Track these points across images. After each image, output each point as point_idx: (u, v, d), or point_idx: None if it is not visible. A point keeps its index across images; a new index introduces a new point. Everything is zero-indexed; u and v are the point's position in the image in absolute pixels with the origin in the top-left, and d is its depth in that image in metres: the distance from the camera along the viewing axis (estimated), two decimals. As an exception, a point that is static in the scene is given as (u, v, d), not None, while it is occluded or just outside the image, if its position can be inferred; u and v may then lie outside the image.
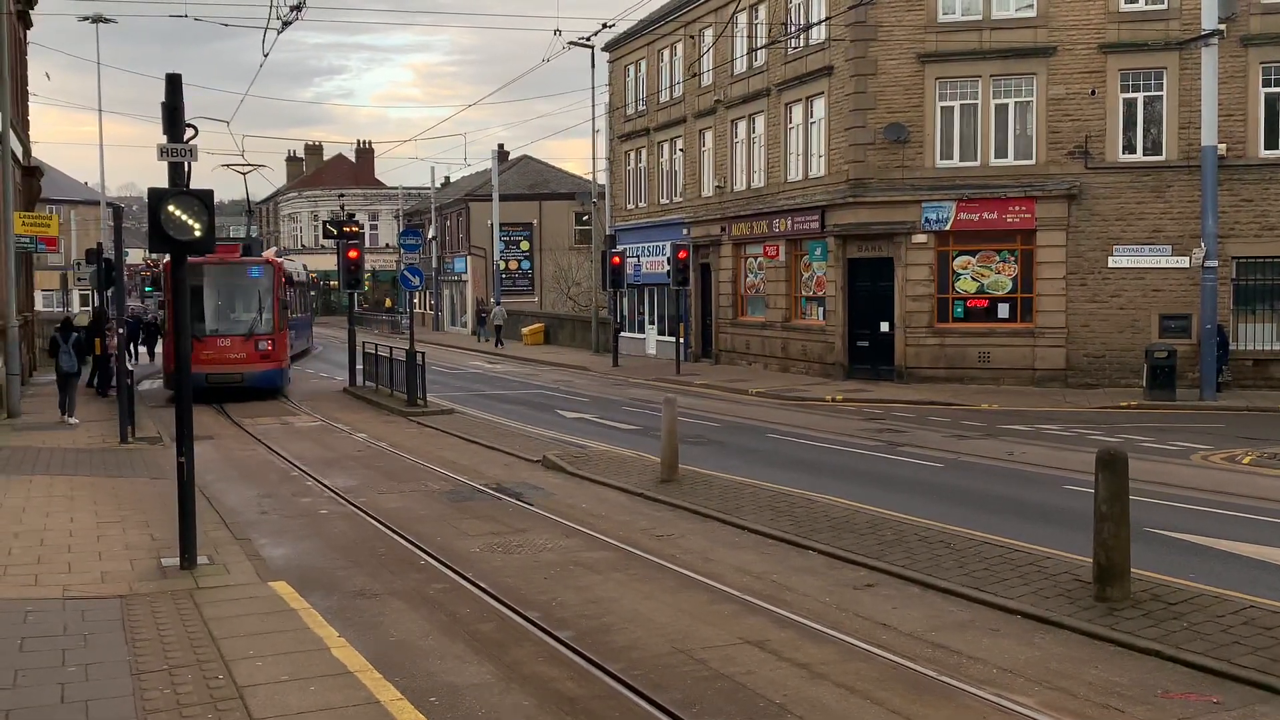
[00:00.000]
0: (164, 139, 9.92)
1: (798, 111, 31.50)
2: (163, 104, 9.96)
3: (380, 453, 18.64)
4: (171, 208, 9.53)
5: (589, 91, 43.51)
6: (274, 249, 34.86)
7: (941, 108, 27.77)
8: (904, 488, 14.54)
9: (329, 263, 64.12)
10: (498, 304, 52.48)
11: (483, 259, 60.88)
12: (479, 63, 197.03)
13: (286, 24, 21.08)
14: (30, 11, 31.26)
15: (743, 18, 33.36)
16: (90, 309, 35.98)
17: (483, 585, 9.85)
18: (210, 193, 9.78)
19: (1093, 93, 26.65)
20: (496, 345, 48.65)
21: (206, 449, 18.04)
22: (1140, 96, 26.72)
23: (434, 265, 64.83)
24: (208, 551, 10.34)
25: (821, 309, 30.45)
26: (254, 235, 47.11)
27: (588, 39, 38.73)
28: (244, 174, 44.67)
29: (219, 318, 26.99)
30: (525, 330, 50.70)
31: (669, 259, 35.03)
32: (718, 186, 35.70)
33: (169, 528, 10.80)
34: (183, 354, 10.20)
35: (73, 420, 20.93)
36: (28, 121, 32.59)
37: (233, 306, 27.44)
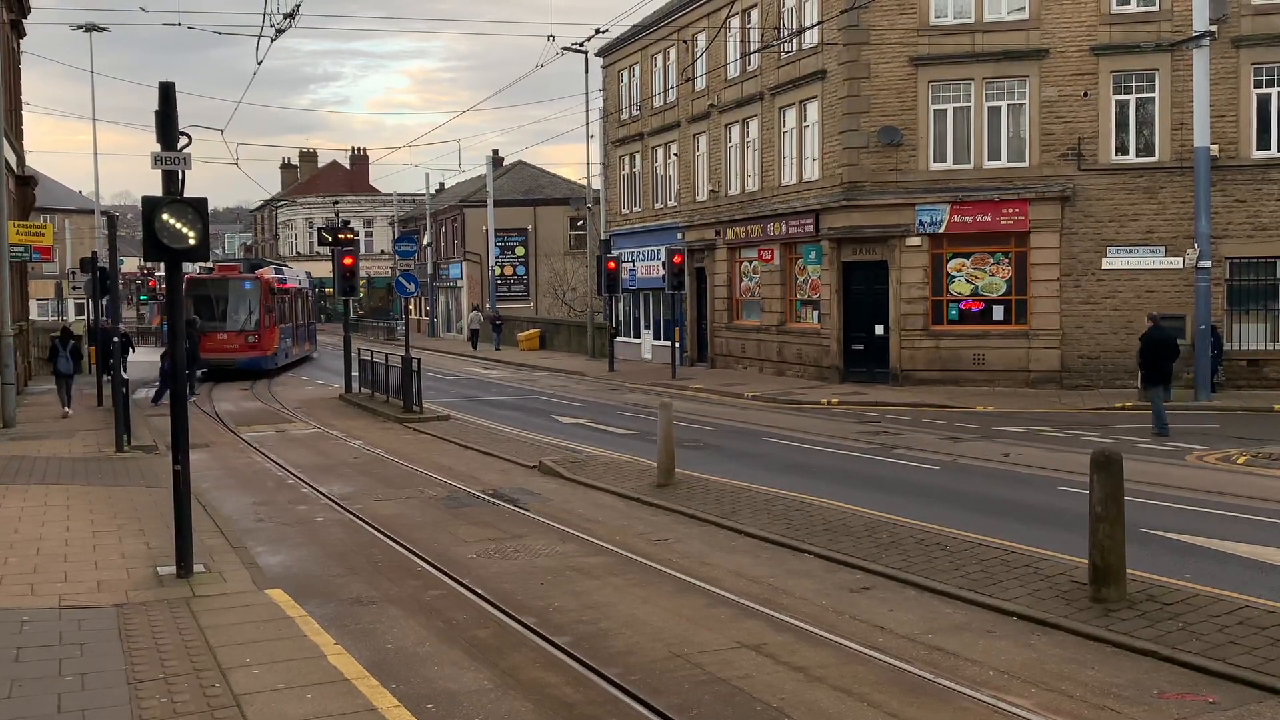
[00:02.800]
0: (158, 147, 9.92)
1: (791, 115, 31.55)
2: (156, 112, 9.96)
3: (376, 459, 18.63)
4: (166, 216, 9.53)
5: (583, 97, 43.49)
6: (272, 266, 42.24)
7: (934, 110, 27.84)
8: (900, 490, 14.56)
9: (324, 269, 64.25)
10: (475, 309, 55.33)
11: (478, 265, 60.92)
12: (474, 69, 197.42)
13: (280, 32, 21.10)
14: (23, 21, 31.27)
15: (735, 22, 33.42)
16: (87, 319, 36.08)
17: (479, 591, 9.85)
18: (204, 200, 9.76)
19: (1085, 95, 26.72)
20: (474, 348, 51.43)
21: (202, 457, 18.02)
22: (1132, 98, 26.80)
23: (429, 271, 64.85)
24: (204, 559, 10.34)
25: (816, 312, 30.48)
26: (248, 244, 54.31)
27: (581, 44, 38.76)
28: (276, 205, 46.86)
29: (220, 317, 35.96)
30: (521, 335, 50.78)
31: (664, 263, 35.04)
32: (712, 191, 35.73)
33: (165, 536, 10.79)
34: (178, 363, 10.17)
35: (69, 410, 23.74)
36: (22, 131, 32.57)
37: (231, 309, 36.23)
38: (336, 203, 77.87)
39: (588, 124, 43.46)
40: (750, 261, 34.16)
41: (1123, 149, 26.98)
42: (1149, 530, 11.52)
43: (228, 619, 8.57)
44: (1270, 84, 26.14)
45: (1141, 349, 20.57)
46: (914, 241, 27.74)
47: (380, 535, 12.42)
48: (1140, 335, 20.95)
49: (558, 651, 8.19)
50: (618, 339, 39.70)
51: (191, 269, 35.26)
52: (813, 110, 30.35)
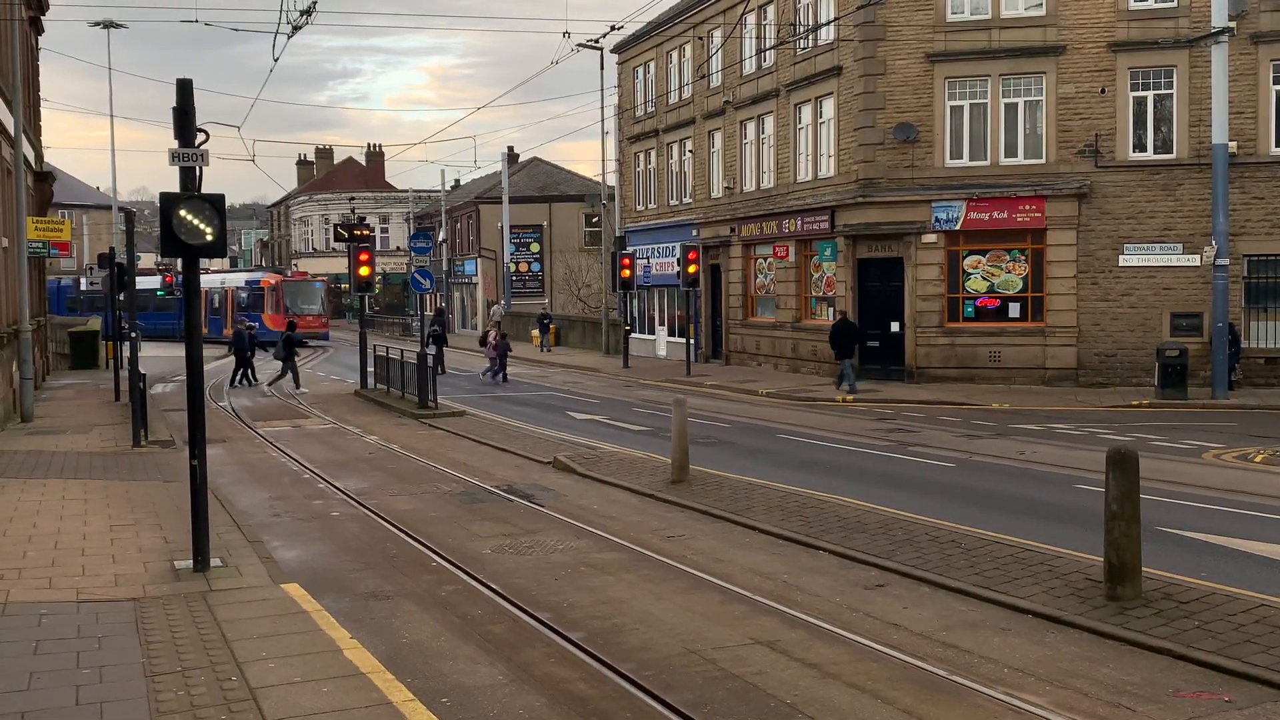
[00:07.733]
0: (175, 143, 9.97)
1: (807, 112, 31.49)
2: (174, 109, 10.00)
3: (391, 455, 18.69)
4: (183, 212, 9.56)
5: (598, 93, 43.47)
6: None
7: (951, 107, 27.74)
8: (915, 488, 14.54)
9: (340, 266, 64.62)
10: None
11: (493, 261, 61.00)
12: (492, 65, 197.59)
13: (297, 28, 21.12)
14: (42, 18, 31.43)
15: (751, 18, 33.37)
16: (105, 315, 36.24)
17: (494, 587, 9.88)
18: (221, 197, 9.79)
19: (1102, 91, 26.59)
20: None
21: (219, 452, 18.11)
22: (1150, 95, 26.65)
23: (444, 268, 64.96)
24: (220, 554, 10.38)
25: (831, 309, 30.42)
26: (265, 240, 65.16)
27: (596, 41, 38.78)
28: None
29: (302, 307, 54.01)
30: (534, 332, 50.83)
31: (679, 260, 35.03)
32: (727, 187, 35.69)
33: (182, 530, 10.85)
34: (194, 359, 10.22)
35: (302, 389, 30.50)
36: (40, 127, 32.75)
37: (309, 301, 55.65)
38: (352, 199, 77.96)
39: (603, 120, 43.48)
40: (765, 258, 34.11)
41: (1140, 146, 26.84)
42: (1165, 528, 11.48)
43: (244, 613, 8.60)
44: (1289, 80, 25.97)
45: (831, 334, 27.13)
46: (930, 238, 27.67)
47: (396, 530, 12.47)
48: (833, 324, 27.61)
49: (572, 647, 8.22)
50: (632, 335, 39.66)
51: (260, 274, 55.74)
52: (828, 107, 30.28)
